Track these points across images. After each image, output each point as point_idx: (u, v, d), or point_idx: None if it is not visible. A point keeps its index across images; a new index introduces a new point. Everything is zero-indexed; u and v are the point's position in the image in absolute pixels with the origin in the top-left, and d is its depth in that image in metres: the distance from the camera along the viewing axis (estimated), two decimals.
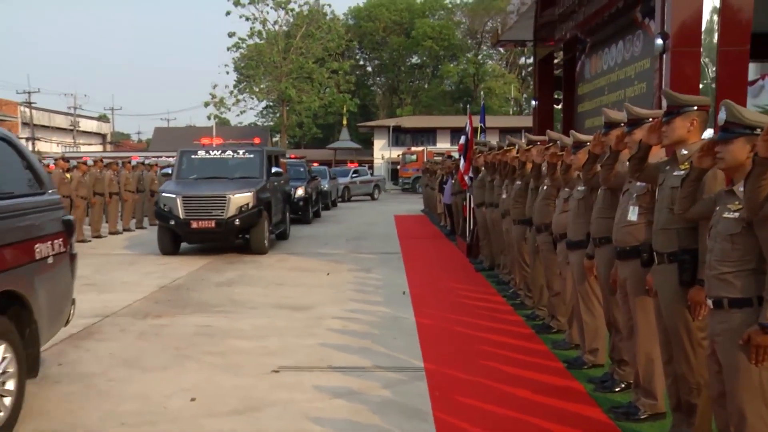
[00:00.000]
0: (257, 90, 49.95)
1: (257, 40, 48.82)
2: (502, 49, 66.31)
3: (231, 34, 48.19)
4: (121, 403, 4.95)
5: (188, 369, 5.77)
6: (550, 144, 6.80)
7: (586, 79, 14.23)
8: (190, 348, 6.40)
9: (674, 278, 3.70)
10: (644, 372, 4.36)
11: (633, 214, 4.28)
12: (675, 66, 8.68)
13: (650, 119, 4.29)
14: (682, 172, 3.66)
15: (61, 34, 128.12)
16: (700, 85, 8.87)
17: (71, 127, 55.80)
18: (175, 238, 12.72)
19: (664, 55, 8.89)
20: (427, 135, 52.30)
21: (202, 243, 13.26)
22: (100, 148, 59.08)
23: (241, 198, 12.36)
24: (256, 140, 15.09)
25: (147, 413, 4.73)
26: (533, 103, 16.62)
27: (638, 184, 4.27)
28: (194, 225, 12.26)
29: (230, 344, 6.54)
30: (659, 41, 8.79)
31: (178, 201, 12.29)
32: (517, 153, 8.03)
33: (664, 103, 3.78)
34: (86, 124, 60.57)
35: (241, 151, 13.85)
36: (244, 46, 49.01)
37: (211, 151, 13.82)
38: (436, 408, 4.79)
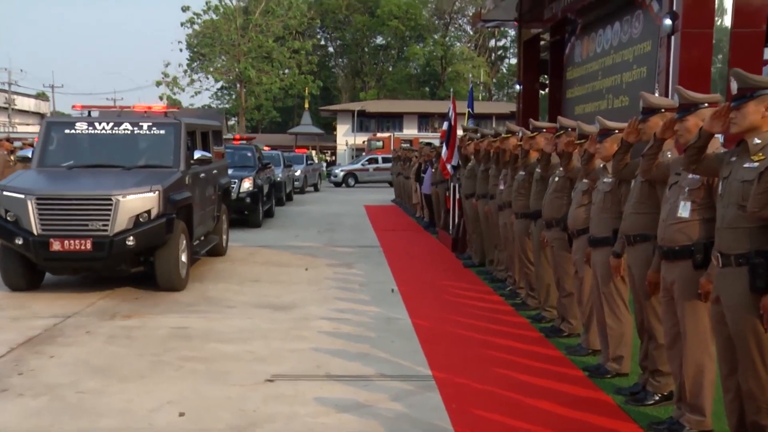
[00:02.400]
0: (213, 69, 49.12)
1: (213, 16, 47.95)
2: (471, 31, 66.47)
3: (185, 9, 47.16)
4: (98, 419, 4.59)
5: (169, 378, 5.41)
6: (561, 131, 6.56)
7: (576, 63, 14.09)
8: (168, 353, 6.04)
9: (743, 283, 3.47)
10: (692, 385, 4.15)
11: (684, 210, 4.05)
12: (685, 48, 8.54)
13: (706, 104, 4.07)
14: (756, 164, 3.43)
15: None
16: (712, 69, 8.77)
17: (6, 105, 54.08)
18: (31, 265, 8.42)
19: (672, 37, 8.76)
20: (394, 120, 52.10)
21: (74, 273, 9.03)
22: (38, 128, 57.38)
23: (137, 201, 8.09)
24: (157, 108, 10.36)
25: (131, 431, 4.38)
26: (517, 87, 16.50)
27: (690, 176, 4.04)
28: (56, 246, 7.90)
29: (212, 349, 6.20)
30: (667, 21, 8.65)
31: (30, 206, 7.96)
32: (520, 140, 7.78)
33: (733, 86, 3.53)
34: (23, 102, 58.81)
35: (145, 125, 9.23)
36: (199, 21, 48.10)
37: (97, 124, 9.25)
38: (455, 423, 4.52)
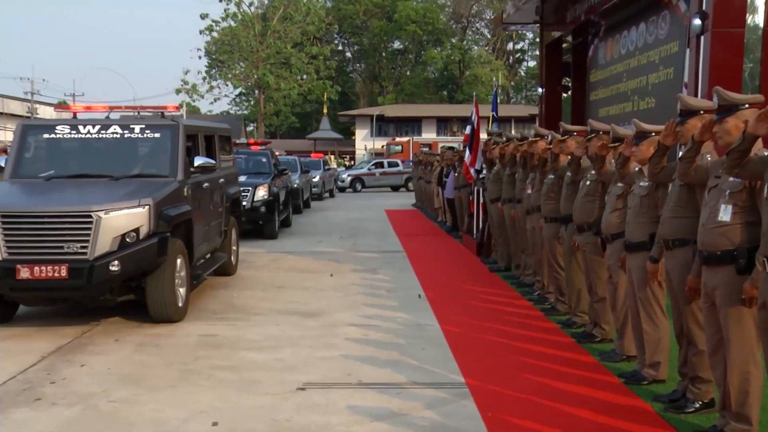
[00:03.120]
0: (231, 76, 49.31)
1: (232, 23, 48.15)
2: (489, 35, 66.36)
3: (203, 16, 47.50)
4: (131, 428, 4.57)
5: (200, 387, 5.38)
6: (592, 135, 6.48)
7: (600, 65, 13.97)
8: (197, 362, 6.01)
9: None
10: (737, 393, 4.05)
11: (726, 214, 3.96)
12: (715, 48, 8.41)
13: (746, 105, 3.98)
14: None
15: (15, 13, 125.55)
16: (744, 70, 8.64)
17: (28, 114, 54.48)
18: None
19: (702, 37, 8.63)
20: (412, 124, 52.11)
21: (48, 305, 7.73)
22: None
23: (122, 218, 6.86)
24: (172, 108, 8.96)
25: None
26: (539, 90, 16.37)
27: (731, 179, 3.95)
28: (24, 274, 6.64)
29: (241, 357, 6.16)
30: (697, 21, 8.52)
31: None
32: (549, 144, 7.71)
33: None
34: (44, 111, 58.97)
35: (137, 128, 8.08)
36: (217, 28, 48.33)
37: (81, 128, 8.08)
38: None
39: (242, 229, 11.83)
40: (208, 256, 9.31)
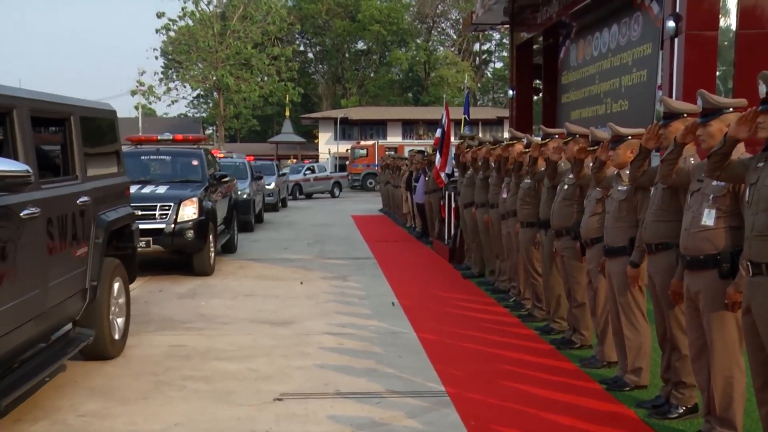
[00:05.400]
0: (189, 77, 48.83)
1: (189, 22, 47.75)
2: (454, 35, 66.77)
3: (160, 15, 46.94)
4: None
5: (173, 399, 5.37)
6: (569, 138, 6.60)
7: (571, 67, 14.22)
8: (167, 373, 5.99)
9: None
10: (721, 398, 4.16)
11: (709, 218, 4.08)
12: (689, 51, 8.63)
13: (731, 109, 4.11)
14: None
15: None
16: (717, 72, 8.86)
17: None
18: None
19: (676, 39, 8.85)
20: (377, 127, 52.22)
21: None
22: None
23: None
24: None
25: None
26: (510, 92, 16.60)
27: (714, 183, 4.07)
28: None
29: (213, 367, 6.15)
30: (671, 23, 8.75)
31: None
32: (527, 148, 7.82)
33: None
34: None
35: None
36: (174, 27, 47.89)
37: None
38: None
39: (149, 261, 10.14)
40: (57, 336, 5.79)
